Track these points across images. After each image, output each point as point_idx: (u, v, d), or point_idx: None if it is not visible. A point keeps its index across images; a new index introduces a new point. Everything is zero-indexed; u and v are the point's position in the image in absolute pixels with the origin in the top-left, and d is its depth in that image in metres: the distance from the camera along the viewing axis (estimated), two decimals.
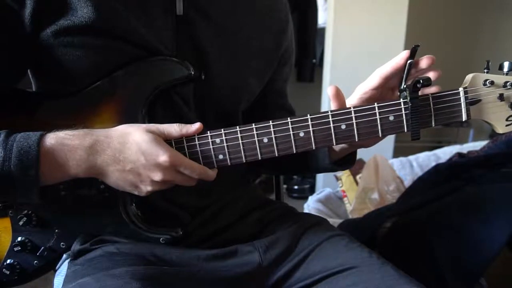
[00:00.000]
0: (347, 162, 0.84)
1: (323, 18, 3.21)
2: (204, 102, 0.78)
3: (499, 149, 1.50)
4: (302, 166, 0.90)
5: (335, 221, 1.51)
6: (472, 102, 0.66)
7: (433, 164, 1.65)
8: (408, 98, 0.65)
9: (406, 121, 0.67)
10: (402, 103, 0.66)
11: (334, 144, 0.68)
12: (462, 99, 0.66)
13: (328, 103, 2.57)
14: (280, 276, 0.78)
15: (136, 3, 0.69)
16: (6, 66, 0.69)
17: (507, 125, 0.68)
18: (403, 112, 0.66)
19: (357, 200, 1.75)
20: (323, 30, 2.95)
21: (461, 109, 0.66)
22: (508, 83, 0.65)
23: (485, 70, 0.66)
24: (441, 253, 1.07)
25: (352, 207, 1.77)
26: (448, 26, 3.50)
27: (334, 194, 1.98)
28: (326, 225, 0.89)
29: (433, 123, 0.67)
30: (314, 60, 3.31)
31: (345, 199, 1.88)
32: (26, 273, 0.75)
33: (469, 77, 0.67)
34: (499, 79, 0.66)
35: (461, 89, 0.66)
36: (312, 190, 3.07)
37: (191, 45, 0.74)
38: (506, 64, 0.65)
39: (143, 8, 0.69)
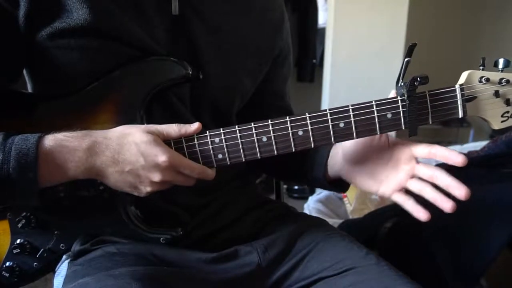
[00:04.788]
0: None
1: (323, 18, 3.21)
2: (200, 102, 0.78)
3: (499, 150, 1.50)
4: (299, 172, 0.90)
5: (335, 221, 1.52)
6: (468, 99, 0.67)
7: (433, 164, 1.65)
8: (406, 95, 0.65)
9: (404, 118, 0.67)
10: (399, 101, 0.67)
11: (333, 142, 0.68)
12: (459, 96, 0.67)
13: (328, 103, 2.57)
14: (279, 276, 0.78)
15: (131, 3, 0.69)
16: (1, 67, 0.69)
17: (502, 121, 0.68)
18: (401, 109, 0.67)
19: (357, 200, 1.74)
20: (323, 30, 2.95)
21: (458, 106, 0.67)
22: (503, 79, 0.66)
23: (481, 67, 0.67)
24: (441, 253, 1.07)
25: (352, 208, 1.77)
26: (448, 26, 3.50)
27: (334, 194, 1.97)
28: (325, 225, 0.89)
29: (430, 120, 0.68)
30: (314, 60, 3.31)
31: (345, 199, 1.88)
32: (26, 275, 0.75)
33: (465, 74, 0.67)
34: (495, 76, 0.66)
35: (457, 86, 0.67)
36: (312, 190, 3.06)
37: (187, 45, 0.74)
38: (501, 61, 0.65)
39: (138, 8, 0.70)
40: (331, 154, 0.80)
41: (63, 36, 0.67)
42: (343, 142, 0.73)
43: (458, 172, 1.35)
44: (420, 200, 1.25)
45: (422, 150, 0.69)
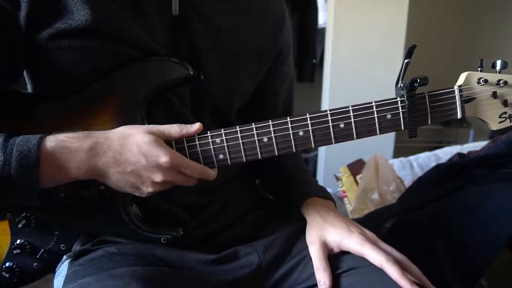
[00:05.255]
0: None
1: (323, 18, 3.20)
2: (201, 102, 0.78)
3: (499, 149, 1.50)
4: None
5: None
6: (467, 100, 0.68)
7: (433, 164, 1.65)
8: (405, 96, 0.66)
9: (403, 119, 0.68)
10: (399, 102, 0.67)
11: (333, 142, 0.69)
12: (457, 97, 0.67)
13: (328, 103, 2.57)
14: (279, 277, 0.78)
15: (132, 4, 0.69)
16: (1, 67, 0.69)
17: (500, 122, 0.69)
18: (400, 110, 0.67)
19: (357, 200, 1.74)
20: (323, 30, 2.95)
21: (456, 107, 0.68)
22: (501, 81, 0.67)
23: (479, 69, 0.68)
24: (441, 253, 1.07)
25: (352, 207, 1.76)
26: (448, 26, 3.50)
27: (334, 194, 1.97)
28: None
29: (429, 121, 0.68)
30: (314, 60, 3.31)
31: (345, 199, 1.88)
32: (26, 275, 0.75)
33: (463, 75, 0.68)
34: (493, 77, 0.67)
35: (456, 87, 0.68)
36: None
37: (187, 45, 0.74)
38: (498, 63, 0.66)
39: (139, 9, 0.70)
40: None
41: (64, 37, 0.67)
42: (323, 234, 0.77)
43: (459, 172, 1.35)
44: (425, 199, 1.25)
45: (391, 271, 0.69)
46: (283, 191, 0.93)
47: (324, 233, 0.77)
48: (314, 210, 0.82)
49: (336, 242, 0.76)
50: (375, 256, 0.71)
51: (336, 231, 0.76)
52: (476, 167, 1.36)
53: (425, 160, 2.09)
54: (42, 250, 0.74)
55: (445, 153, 2.11)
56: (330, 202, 0.87)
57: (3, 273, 0.74)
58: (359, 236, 0.74)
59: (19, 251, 0.73)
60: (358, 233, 0.75)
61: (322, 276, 0.71)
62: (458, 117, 0.68)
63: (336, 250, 0.76)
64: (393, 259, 0.70)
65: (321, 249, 0.74)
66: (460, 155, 1.66)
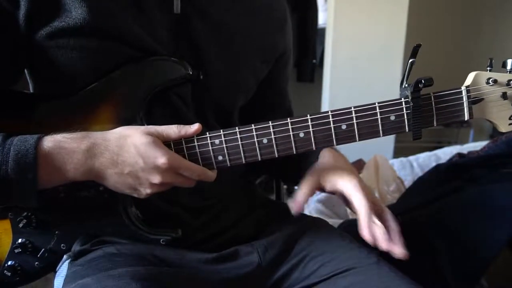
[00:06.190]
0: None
1: (323, 18, 3.21)
2: (203, 101, 0.78)
3: (500, 149, 1.50)
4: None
5: (335, 222, 1.51)
6: (475, 101, 0.65)
7: (434, 164, 1.65)
8: (410, 97, 0.64)
9: (408, 121, 0.66)
10: (403, 103, 0.66)
11: (335, 144, 0.68)
12: (465, 98, 0.65)
13: (328, 104, 2.57)
14: (279, 277, 0.78)
15: (132, 2, 0.68)
16: (2, 67, 0.69)
17: (510, 124, 0.67)
18: (405, 111, 0.66)
19: None
20: (323, 30, 2.96)
21: (464, 108, 0.66)
22: None
23: (488, 68, 0.65)
24: (441, 253, 1.07)
25: None
26: (448, 26, 3.51)
27: None
28: (325, 225, 0.90)
29: (435, 123, 0.67)
30: (314, 60, 3.31)
31: None
32: (28, 274, 0.75)
33: (471, 75, 0.66)
34: (503, 77, 0.65)
35: (463, 88, 0.66)
36: None
37: (189, 44, 0.74)
38: (509, 62, 0.64)
39: (139, 7, 0.69)
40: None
41: (63, 36, 0.66)
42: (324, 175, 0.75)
43: (459, 172, 1.35)
44: (425, 199, 1.24)
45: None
46: (295, 163, 0.87)
47: (325, 171, 0.75)
48: (329, 152, 0.82)
49: (332, 181, 0.73)
50: (360, 202, 0.69)
51: (338, 172, 0.74)
52: (476, 167, 1.36)
53: (425, 160, 2.09)
54: (43, 249, 0.74)
55: (445, 153, 2.11)
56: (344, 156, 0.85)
57: (5, 271, 0.74)
58: (357, 183, 0.71)
59: (20, 250, 0.73)
60: (357, 181, 0.72)
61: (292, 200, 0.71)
62: (466, 119, 0.66)
63: (328, 187, 0.74)
64: (373, 213, 0.68)
65: (311, 177, 0.74)
66: (460, 155, 1.66)
